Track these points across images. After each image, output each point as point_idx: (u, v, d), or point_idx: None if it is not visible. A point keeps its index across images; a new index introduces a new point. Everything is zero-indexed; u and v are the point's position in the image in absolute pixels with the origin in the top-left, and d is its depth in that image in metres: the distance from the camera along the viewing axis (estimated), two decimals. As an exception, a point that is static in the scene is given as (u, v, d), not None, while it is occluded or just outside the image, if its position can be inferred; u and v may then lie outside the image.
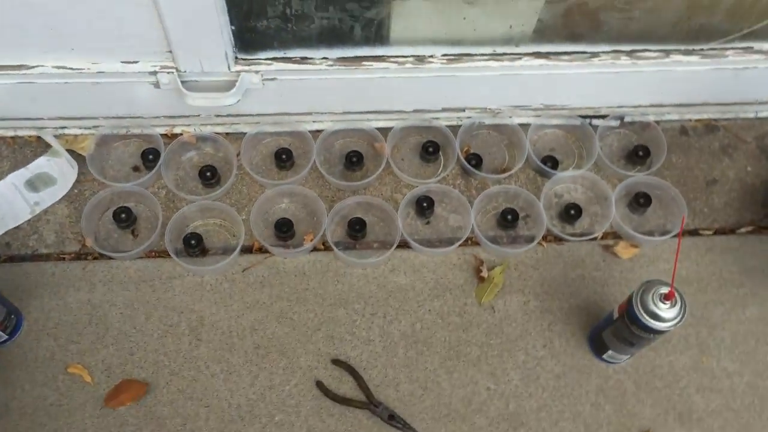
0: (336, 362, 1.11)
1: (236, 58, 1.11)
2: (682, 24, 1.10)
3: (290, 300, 1.15)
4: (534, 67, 1.14)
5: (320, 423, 1.08)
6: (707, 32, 1.12)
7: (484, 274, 1.17)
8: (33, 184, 1.22)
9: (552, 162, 1.25)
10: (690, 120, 1.32)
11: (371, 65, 1.12)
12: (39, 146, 1.25)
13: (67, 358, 1.10)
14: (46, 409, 1.07)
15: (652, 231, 1.22)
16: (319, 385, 1.10)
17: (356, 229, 1.19)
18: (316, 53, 1.12)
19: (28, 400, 1.07)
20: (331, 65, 1.12)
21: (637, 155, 1.26)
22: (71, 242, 1.19)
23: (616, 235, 1.23)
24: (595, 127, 1.27)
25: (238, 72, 1.11)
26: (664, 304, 0.93)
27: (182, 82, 1.12)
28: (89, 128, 1.25)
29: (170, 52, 1.08)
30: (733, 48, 1.15)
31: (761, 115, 1.32)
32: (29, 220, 1.20)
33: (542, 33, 1.12)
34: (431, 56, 1.12)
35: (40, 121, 1.23)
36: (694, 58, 1.15)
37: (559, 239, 1.21)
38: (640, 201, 1.22)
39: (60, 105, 1.19)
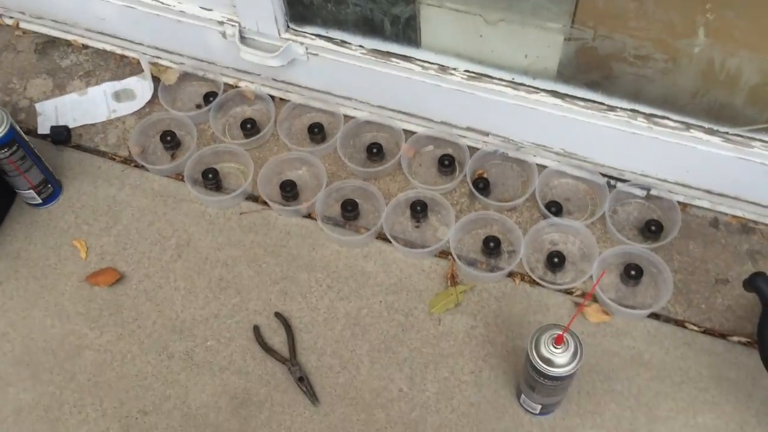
0: (278, 315, 1.19)
1: (287, 26, 1.25)
2: (701, 98, 1.05)
3: (266, 251, 1.25)
4: (549, 105, 1.15)
5: (241, 361, 1.16)
6: (730, 115, 1.06)
7: (454, 283, 1.19)
8: (118, 95, 1.45)
9: (557, 208, 1.24)
10: (726, 214, 1.23)
11: (398, 63, 1.20)
12: (134, 68, 1.47)
13: (77, 233, 1.29)
14: (44, 266, 1.26)
15: (634, 307, 1.16)
16: (255, 329, 1.18)
17: (348, 209, 1.26)
18: (353, 39, 1.22)
19: (35, 255, 1.27)
20: (365, 54, 1.21)
21: (650, 229, 1.21)
22: (124, 149, 1.38)
23: (594, 300, 1.18)
24: (616, 190, 1.24)
25: (287, 40, 1.25)
26: (556, 348, 0.90)
27: (241, 37, 1.28)
28: (176, 63, 1.45)
29: (234, 6, 1.24)
30: (760, 140, 1.07)
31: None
32: (103, 122, 1.42)
33: (563, 74, 1.13)
34: (454, 69, 1.18)
35: (141, 47, 1.45)
36: (716, 140, 1.09)
37: (534, 282, 1.20)
38: (631, 272, 1.17)
39: (154, 35, 1.40)
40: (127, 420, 1.12)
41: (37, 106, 1.44)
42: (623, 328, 1.15)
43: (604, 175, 1.25)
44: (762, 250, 1.21)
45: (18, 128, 1.19)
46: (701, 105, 1.06)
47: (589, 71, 1.09)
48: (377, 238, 1.26)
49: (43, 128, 1.41)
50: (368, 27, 1.19)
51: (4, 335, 1.20)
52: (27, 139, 1.22)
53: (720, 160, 1.11)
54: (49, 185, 1.29)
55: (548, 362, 0.91)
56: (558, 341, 0.90)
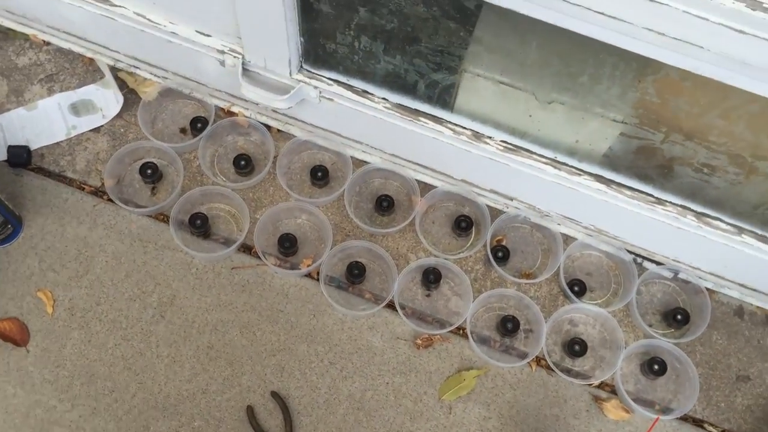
0: (275, 395, 1.08)
1: (301, 67, 1.08)
2: (764, 210, 0.97)
3: (261, 315, 1.13)
4: (592, 189, 1.04)
5: (233, 447, 1.05)
6: (790, 228, 0.99)
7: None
8: (76, 108, 1.25)
9: (580, 287, 1.15)
10: (751, 304, 1.17)
11: (427, 123, 1.06)
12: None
13: (42, 282, 1.13)
14: (3, 321, 1.10)
15: (653, 402, 1.11)
16: (249, 410, 1.07)
17: (354, 273, 1.14)
18: (377, 91, 1.07)
19: (-8, 307, 1.10)
20: (389, 108, 1.07)
21: (675, 318, 1.14)
22: (95, 177, 1.21)
23: (613, 390, 1.12)
24: (643, 269, 1.16)
25: (298, 81, 1.09)
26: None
27: (244, 70, 1.11)
28: (158, 77, 1.26)
29: (240, 38, 1.06)
30: (814, 254, 1.01)
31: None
32: (69, 141, 1.23)
33: (611, 161, 1.02)
34: (490, 137, 1.05)
35: (116, 54, 1.25)
36: (767, 248, 1.01)
37: (550, 368, 1.12)
38: (654, 367, 1.11)
39: (135, 47, 1.21)
40: None
41: (-19, 122, 1.23)
42: (641, 427, 1.10)
43: (629, 252, 1.17)
44: (785, 345, 1.16)
45: (-23, 171, 1.01)
46: (762, 216, 0.98)
47: (646, 166, 0.99)
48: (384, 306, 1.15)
49: (-6, 149, 1.21)
50: (397, 84, 1.04)
51: (-44, 405, 1.05)
52: (-14, 181, 1.03)
53: (766, 265, 1.04)
54: (9, 225, 1.11)
55: None
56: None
